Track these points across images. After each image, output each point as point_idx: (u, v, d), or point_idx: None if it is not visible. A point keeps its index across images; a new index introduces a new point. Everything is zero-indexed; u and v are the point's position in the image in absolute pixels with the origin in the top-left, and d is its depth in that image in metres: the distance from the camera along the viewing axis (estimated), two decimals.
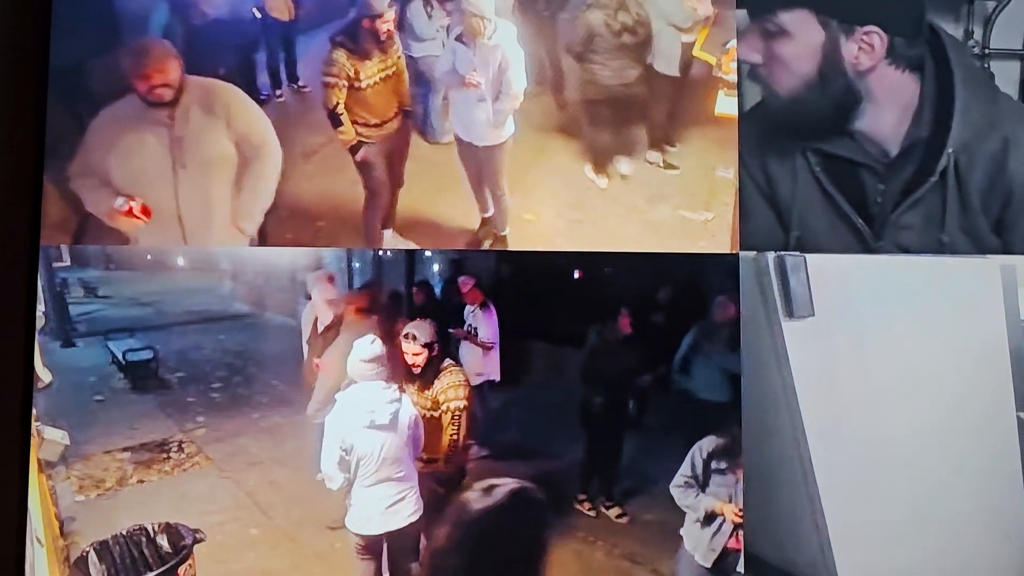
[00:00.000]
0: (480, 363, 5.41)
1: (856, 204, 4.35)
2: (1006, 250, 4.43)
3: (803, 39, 4.35)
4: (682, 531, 4.44)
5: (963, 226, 4.25)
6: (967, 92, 4.11)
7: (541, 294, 5.13)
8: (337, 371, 4.84)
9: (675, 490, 4.47)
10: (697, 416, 4.73)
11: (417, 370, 4.69)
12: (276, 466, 5.42)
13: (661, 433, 5.01)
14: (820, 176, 4.34)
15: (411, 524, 4.48)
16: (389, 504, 4.38)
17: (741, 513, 4.30)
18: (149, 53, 4.68)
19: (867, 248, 4.40)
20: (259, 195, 4.79)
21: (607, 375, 5.10)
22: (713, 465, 4.39)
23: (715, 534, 4.35)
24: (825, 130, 4.31)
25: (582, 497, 5.15)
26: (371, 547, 4.44)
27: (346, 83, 4.84)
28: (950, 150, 4.12)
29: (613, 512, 5.06)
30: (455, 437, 4.70)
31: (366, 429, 4.32)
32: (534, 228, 4.81)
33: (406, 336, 4.72)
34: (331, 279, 5.36)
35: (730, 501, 4.35)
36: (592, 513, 5.05)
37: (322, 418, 4.78)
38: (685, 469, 4.45)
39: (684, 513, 4.48)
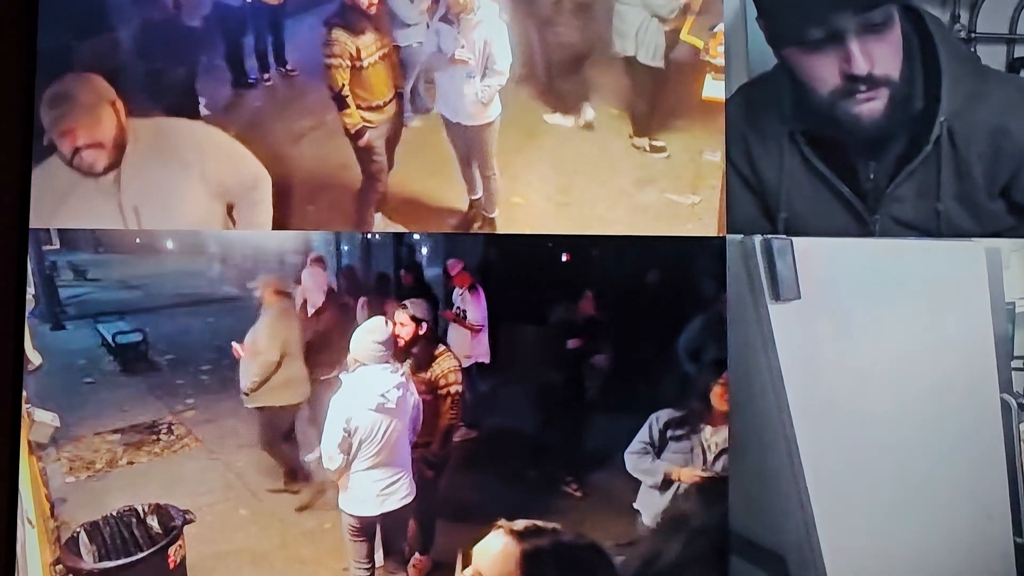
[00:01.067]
0: (469, 345, 5.49)
1: (848, 182, 4.39)
2: (1010, 211, 4.49)
3: None
4: (636, 504, 4.66)
5: (959, 194, 4.29)
6: (953, 66, 4.16)
7: (529, 277, 5.23)
8: (266, 351, 5.09)
9: (630, 457, 4.65)
10: (680, 395, 4.87)
11: (402, 343, 4.75)
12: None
13: (637, 413, 5.00)
14: (809, 156, 4.37)
15: (404, 506, 4.55)
16: (384, 487, 4.44)
17: (702, 476, 4.47)
18: (69, 100, 4.55)
19: (862, 224, 4.43)
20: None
21: (569, 356, 5.25)
22: (669, 433, 4.55)
23: (672, 500, 4.51)
24: (813, 110, 4.31)
25: (569, 479, 5.21)
26: (365, 529, 4.50)
27: (349, 63, 4.84)
28: (942, 119, 4.15)
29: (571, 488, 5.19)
30: (453, 421, 4.78)
31: (373, 412, 4.37)
32: (523, 211, 4.84)
33: (398, 307, 4.84)
34: (321, 262, 5.46)
35: (686, 466, 4.49)
36: (579, 494, 5.11)
37: (256, 402, 5.07)
38: (642, 435, 4.64)
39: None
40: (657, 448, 4.60)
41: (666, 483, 4.56)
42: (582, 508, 5.06)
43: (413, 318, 4.74)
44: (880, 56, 4.07)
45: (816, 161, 4.34)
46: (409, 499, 4.53)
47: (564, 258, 5.24)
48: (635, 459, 4.62)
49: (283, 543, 4.98)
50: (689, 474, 4.48)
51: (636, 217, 4.76)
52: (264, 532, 5.03)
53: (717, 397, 4.47)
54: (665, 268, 5.05)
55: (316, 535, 4.91)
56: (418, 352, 4.76)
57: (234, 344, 5.14)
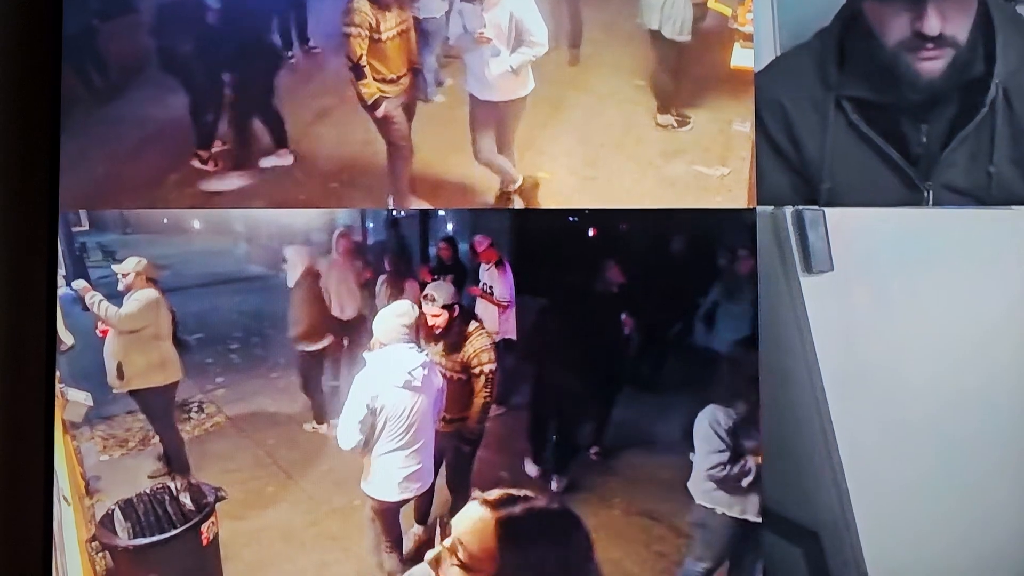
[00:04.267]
0: (496, 321, 5.69)
1: (898, 148, 4.40)
2: None
3: None
4: (689, 484, 4.62)
5: (1013, 156, 4.33)
6: (1006, 27, 4.23)
7: (556, 251, 5.31)
8: (120, 332, 5.21)
9: (714, 473, 4.55)
10: (713, 372, 4.89)
11: (438, 331, 4.83)
12: (295, 425, 5.72)
13: (673, 390, 5.25)
14: (857, 122, 4.39)
15: (422, 493, 4.68)
16: (407, 474, 4.56)
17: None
18: None
19: (913, 191, 4.43)
20: None
21: (603, 328, 5.43)
22: (741, 438, 4.56)
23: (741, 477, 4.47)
24: (869, 68, 4.37)
25: (595, 450, 5.47)
26: (387, 512, 4.63)
27: (368, 33, 4.86)
28: (997, 80, 4.22)
29: (593, 451, 5.46)
30: (488, 399, 4.90)
31: (400, 389, 4.45)
32: (549, 186, 4.92)
33: (425, 298, 4.83)
34: (348, 238, 5.71)
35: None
36: (603, 463, 5.38)
37: (129, 385, 5.19)
38: (715, 446, 4.55)
39: (690, 468, 4.68)
40: (733, 449, 4.56)
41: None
42: (612, 482, 5.29)
43: (445, 307, 4.86)
44: (953, 18, 4.14)
45: (864, 127, 4.38)
46: (426, 487, 4.68)
47: (591, 232, 5.34)
48: (720, 473, 4.54)
49: (314, 520, 5.16)
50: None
51: (664, 190, 4.83)
52: (294, 509, 5.22)
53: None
54: (695, 240, 5.15)
55: (346, 512, 5.04)
56: (451, 334, 4.90)
57: (99, 327, 5.30)
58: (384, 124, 5.06)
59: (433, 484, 4.77)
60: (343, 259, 5.85)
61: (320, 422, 5.78)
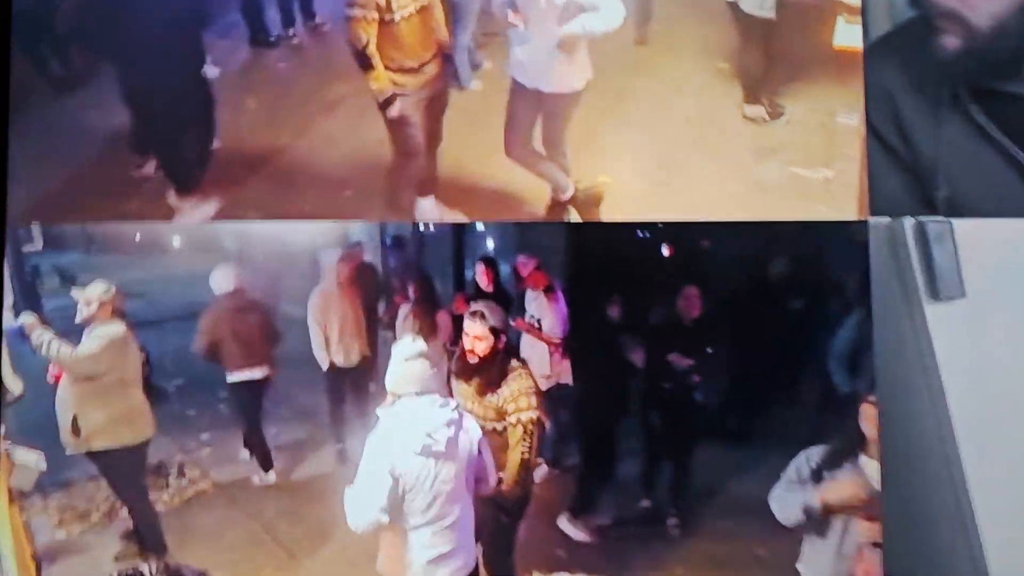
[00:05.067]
0: (547, 363, 5.50)
1: None
2: None
3: None
4: (799, 565, 4.50)
5: None
6: None
7: (620, 276, 5.20)
8: (76, 377, 5.03)
9: (778, 496, 4.50)
10: (819, 421, 4.89)
11: (473, 359, 4.62)
12: (299, 494, 5.54)
13: (768, 444, 5.04)
14: (978, 118, 4.23)
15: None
16: (433, 556, 4.28)
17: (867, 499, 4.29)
18: None
19: None
20: None
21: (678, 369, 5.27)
22: (825, 475, 4.40)
23: (840, 544, 4.34)
24: (998, 68, 4.22)
25: (673, 522, 5.33)
26: None
27: (376, 15, 4.69)
28: None
29: (671, 522, 5.28)
30: (526, 455, 4.64)
31: (417, 456, 4.15)
32: (611, 194, 4.83)
33: (473, 315, 4.63)
34: (357, 260, 5.61)
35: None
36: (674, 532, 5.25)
37: (84, 446, 4.98)
38: (789, 475, 4.46)
39: (801, 543, 4.50)
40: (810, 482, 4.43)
41: (823, 521, 4.41)
42: (699, 562, 5.07)
43: (493, 330, 4.64)
44: None
45: (987, 124, 4.19)
46: (467, 570, 4.39)
47: (665, 252, 5.22)
48: (783, 497, 4.50)
49: None
50: (839, 493, 4.33)
51: (754, 198, 4.72)
52: None
53: (868, 421, 4.31)
54: (793, 260, 5.04)
55: None
56: (489, 369, 4.66)
57: (51, 370, 5.09)
58: (397, 128, 4.92)
59: (478, 567, 4.54)
60: (345, 289, 5.73)
61: (266, 469, 5.70)
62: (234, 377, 5.79)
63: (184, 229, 4.89)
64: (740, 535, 5.04)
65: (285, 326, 5.40)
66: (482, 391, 4.65)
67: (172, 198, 4.94)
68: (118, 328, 5.04)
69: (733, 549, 5.02)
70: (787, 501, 4.39)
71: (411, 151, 4.93)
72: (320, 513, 5.31)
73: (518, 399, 4.62)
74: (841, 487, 4.28)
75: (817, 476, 4.35)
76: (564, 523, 5.29)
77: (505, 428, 4.63)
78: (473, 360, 4.60)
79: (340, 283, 5.66)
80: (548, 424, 5.26)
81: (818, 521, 4.32)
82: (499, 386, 4.64)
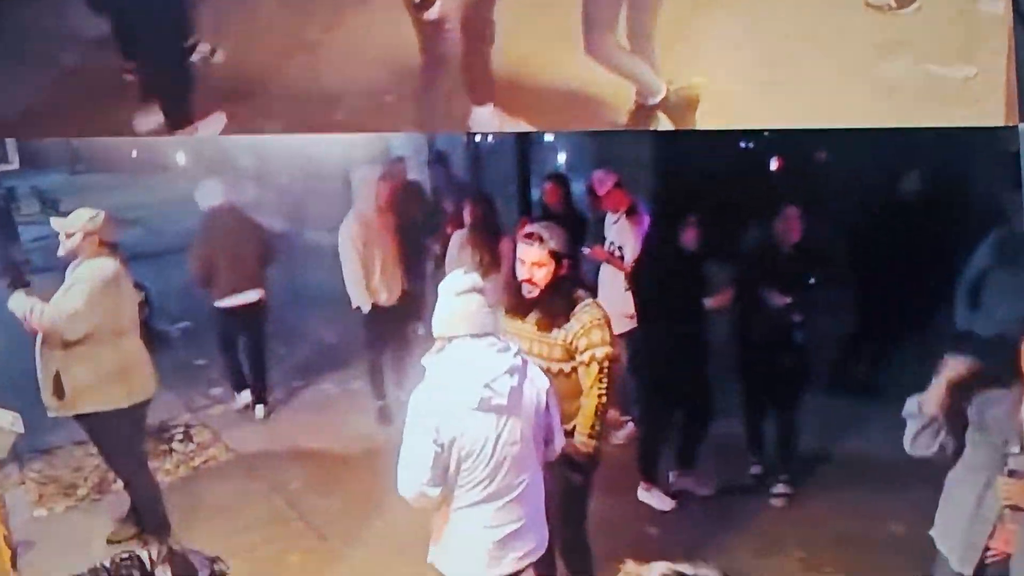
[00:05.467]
0: (629, 299, 5.01)
1: None
2: None
3: None
4: (932, 532, 3.68)
5: None
6: None
7: (720, 194, 4.72)
8: (68, 324, 4.27)
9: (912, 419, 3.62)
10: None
11: (532, 292, 3.97)
12: (331, 462, 5.07)
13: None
14: None
15: (528, 565, 3.74)
16: (500, 537, 3.56)
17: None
18: None
19: None
20: None
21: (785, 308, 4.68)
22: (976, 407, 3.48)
23: (977, 508, 3.50)
24: None
25: (780, 488, 4.80)
26: None
27: None
28: None
29: (779, 489, 4.79)
30: (604, 398, 3.95)
31: (475, 413, 3.43)
32: (709, 97, 4.17)
33: (529, 237, 3.97)
34: (400, 178, 5.09)
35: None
36: (780, 503, 4.74)
37: (69, 409, 4.30)
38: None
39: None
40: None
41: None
42: (811, 535, 4.49)
43: (554, 254, 3.88)
44: None
45: None
46: (538, 553, 3.69)
47: (774, 165, 4.81)
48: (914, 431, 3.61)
49: None
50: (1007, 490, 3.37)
51: (880, 101, 4.09)
52: None
53: None
54: (926, 175, 4.65)
55: None
56: (552, 300, 3.97)
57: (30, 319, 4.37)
58: (431, 29, 4.24)
59: (551, 547, 3.85)
60: (386, 213, 5.30)
61: (259, 400, 5.42)
62: (224, 303, 5.43)
63: (191, 144, 4.31)
64: (868, 506, 4.47)
65: (311, 257, 4.79)
66: (545, 326, 3.95)
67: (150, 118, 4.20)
68: (106, 266, 4.27)
69: (861, 525, 4.41)
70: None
71: (441, 56, 4.28)
72: (358, 484, 4.82)
73: (590, 332, 3.88)
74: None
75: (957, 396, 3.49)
76: (642, 493, 4.83)
77: (574, 369, 3.94)
78: (531, 292, 3.93)
79: (380, 207, 5.16)
80: (628, 373, 5.00)
81: None
82: (566, 319, 3.93)
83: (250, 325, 5.53)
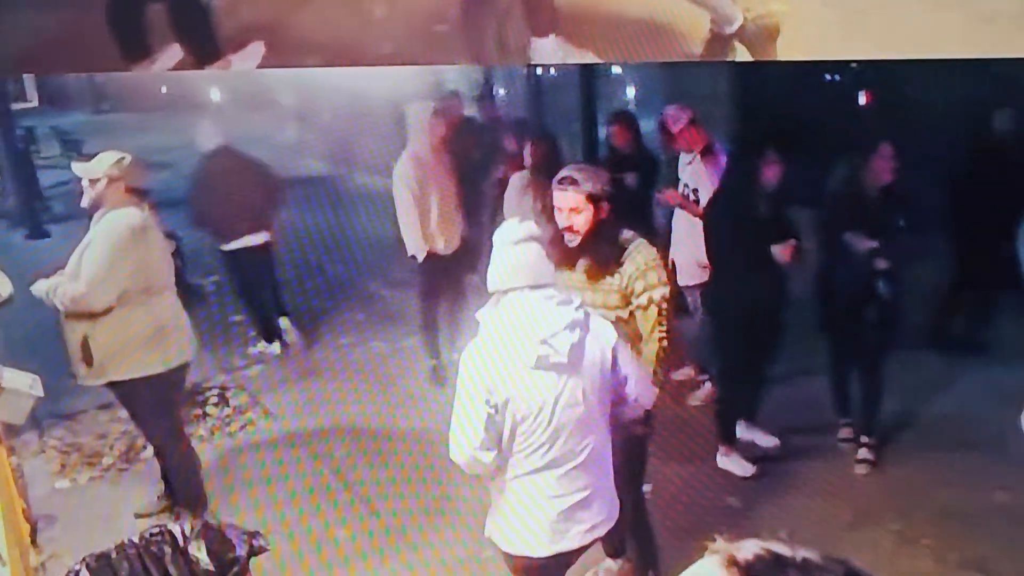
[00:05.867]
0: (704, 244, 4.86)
1: None
2: None
3: None
4: None
5: None
6: None
7: (805, 130, 4.48)
8: (92, 284, 3.98)
9: None
10: None
11: (573, 240, 3.80)
12: (382, 427, 4.85)
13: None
14: None
15: (595, 540, 3.56)
16: (563, 508, 3.35)
17: None
18: None
19: None
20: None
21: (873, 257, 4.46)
22: None
23: None
24: None
25: (864, 454, 4.57)
26: (534, 572, 3.48)
27: None
28: None
29: (862, 455, 4.59)
30: (665, 342, 3.83)
31: (532, 371, 3.25)
32: (791, 25, 4.04)
33: (561, 182, 3.78)
34: (455, 115, 4.93)
35: None
36: (863, 469, 4.52)
37: (101, 377, 4.02)
38: None
39: None
40: None
41: None
42: (907, 505, 4.23)
43: (591, 197, 3.70)
44: None
45: None
46: (607, 526, 3.49)
47: (862, 99, 4.52)
48: None
49: None
50: None
51: (977, 30, 3.94)
52: (385, 565, 4.14)
53: None
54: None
55: (470, 571, 4.06)
56: (598, 247, 3.79)
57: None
58: None
59: (621, 516, 3.59)
60: (441, 153, 5.11)
61: (269, 340, 5.39)
62: (230, 246, 5.30)
63: (225, 79, 4.21)
64: (970, 474, 4.24)
65: (359, 201, 4.71)
66: (596, 274, 3.79)
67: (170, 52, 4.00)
68: (132, 216, 3.98)
69: (963, 494, 4.15)
70: None
71: None
72: (410, 453, 4.63)
73: (646, 274, 3.74)
74: None
75: None
76: (721, 459, 4.64)
77: (631, 314, 3.80)
78: (573, 240, 3.75)
79: (435, 145, 4.96)
80: (710, 328, 4.92)
81: None
82: (618, 263, 3.78)
83: (259, 268, 5.43)
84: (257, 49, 4.05)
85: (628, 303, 3.82)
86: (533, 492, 3.36)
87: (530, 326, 3.29)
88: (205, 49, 4.08)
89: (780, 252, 4.47)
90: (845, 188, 4.50)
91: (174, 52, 4.09)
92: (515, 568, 3.52)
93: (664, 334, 3.81)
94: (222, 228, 5.33)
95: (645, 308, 3.79)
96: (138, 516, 4.28)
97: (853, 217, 4.48)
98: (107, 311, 3.96)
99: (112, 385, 4.11)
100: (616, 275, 3.80)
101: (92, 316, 3.98)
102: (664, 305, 3.79)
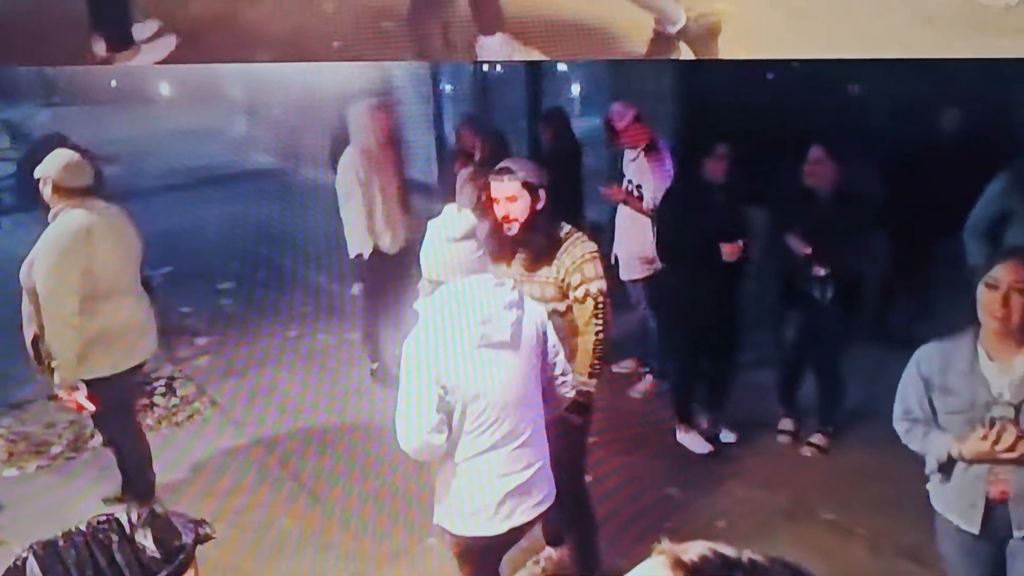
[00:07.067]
0: (648, 242, 4.81)
1: None
2: None
3: None
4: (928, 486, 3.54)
5: None
6: None
7: (745, 129, 4.49)
8: (52, 293, 3.90)
9: (898, 425, 3.50)
10: None
11: (511, 227, 3.81)
12: (328, 418, 4.86)
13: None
14: None
15: (539, 516, 3.58)
16: (511, 488, 3.39)
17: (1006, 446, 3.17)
18: None
19: None
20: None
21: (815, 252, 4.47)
22: (937, 382, 3.35)
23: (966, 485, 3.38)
24: None
25: (818, 438, 4.68)
26: (480, 552, 3.54)
27: None
28: None
29: (816, 439, 4.68)
30: (601, 335, 3.83)
31: (477, 350, 3.28)
32: (734, 25, 3.98)
33: (499, 173, 3.81)
34: (393, 111, 4.91)
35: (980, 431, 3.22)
36: (810, 452, 4.64)
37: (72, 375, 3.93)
38: (903, 392, 3.45)
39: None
40: (927, 414, 3.40)
41: (947, 466, 3.39)
42: (851, 498, 4.30)
43: (527, 185, 3.73)
44: None
45: None
46: (547, 503, 3.52)
47: (808, 98, 4.49)
48: (903, 431, 3.49)
49: (362, 571, 4.12)
50: (974, 448, 3.20)
51: (917, 31, 3.95)
52: (326, 555, 4.16)
53: (994, 304, 3.12)
54: (968, 110, 4.47)
55: (414, 559, 4.10)
56: (535, 238, 3.81)
57: None
58: None
59: (560, 501, 3.63)
60: (386, 148, 5.05)
61: None
62: None
63: (176, 73, 4.20)
64: (905, 464, 3.94)
65: (307, 196, 4.54)
66: (533, 265, 3.83)
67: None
68: (77, 219, 3.86)
69: (899, 485, 4.02)
70: (907, 436, 3.44)
71: None
72: (354, 443, 4.64)
73: (582, 267, 3.76)
74: (967, 447, 3.22)
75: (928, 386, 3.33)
76: (680, 435, 4.75)
77: (568, 308, 3.82)
78: (511, 229, 3.78)
79: (379, 142, 4.91)
80: (652, 322, 4.98)
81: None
82: (552, 255, 3.81)
83: None
84: (169, 41, 4.04)
85: (565, 296, 3.85)
86: (482, 473, 3.39)
87: (470, 308, 3.36)
88: (121, 37, 4.09)
89: (726, 251, 4.49)
90: (786, 188, 4.53)
91: (168, 42, 4.12)
92: (464, 551, 3.53)
93: (600, 326, 3.84)
94: None
95: (582, 301, 3.82)
96: (106, 501, 4.24)
97: (794, 219, 4.49)
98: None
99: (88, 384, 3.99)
100: (553, 266, 3.83)
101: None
102: (600, 299, 3.83)
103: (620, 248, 5.10)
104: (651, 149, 4.91)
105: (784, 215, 4.54)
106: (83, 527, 3.41)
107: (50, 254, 3.81)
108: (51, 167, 3.88)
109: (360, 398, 4.87)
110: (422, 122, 5.03)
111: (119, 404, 4.14)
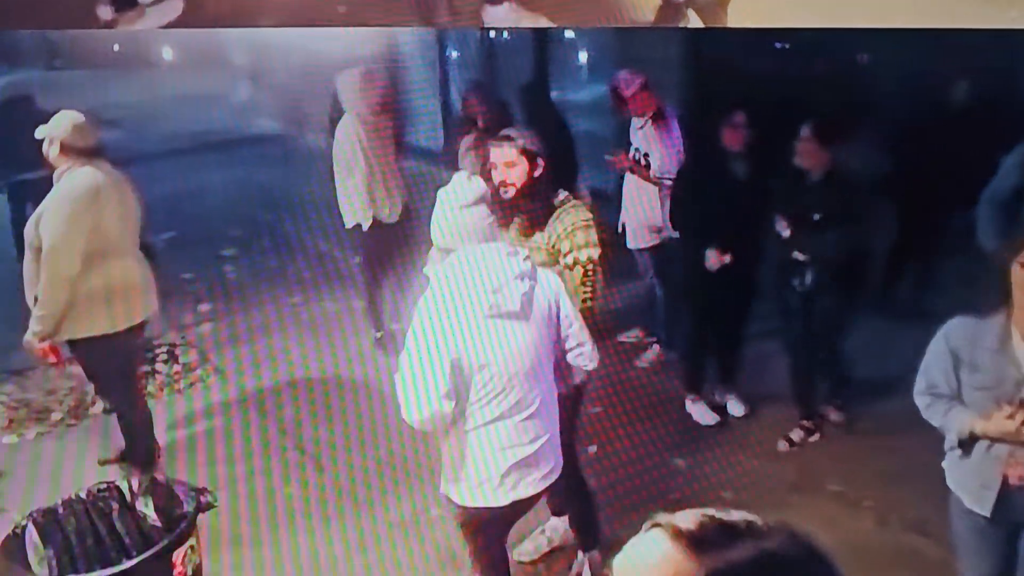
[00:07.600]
0: (656, 211, 4.86)
1: None
2: None
3: None
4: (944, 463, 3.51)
5: None
6: None
7: (753, 98, 4.48)
8: (56, 253, 3.91)
9: (919, 399, 3.45)
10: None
11: (509, 192, 3.83)
12: (332, 386, 4.85)
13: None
14: None
15: (545, 489, 3.59)
16: (518, 459, 3.38)
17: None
18: None
19: None
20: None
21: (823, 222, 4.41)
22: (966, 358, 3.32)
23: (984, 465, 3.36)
24: None
25: (832, 414, 4.67)
26: (485, 524, 3.51)
27: None
28: None
29: (834, 417, 4.68)
30: (589, 303, 3.83)
31: (487, 320, 3.30)
32: None
33: (500, 140, 3.86)
34: (385, 78, 4.88)
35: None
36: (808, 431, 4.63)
37: (62, 334, 3.97)
38: (927, 367, 3.40)
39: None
40: (956, 385, 3.34)
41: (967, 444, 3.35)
42: (859, 470, 4.29)
43: (525, 152, 3.76)
44: None
45: None
46: (555, 475, 3.52)
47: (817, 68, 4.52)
48: (924, 405, 3.44)
49: (364, 542, 4.07)
50: (998, 426, 3.18)
51: (927, 1, 3.95)
52: (331, 524, 4.13)
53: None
54: (978, 82, 4.42)
55: (420, 529, 4.07)
56: (531, 204, 3.85)
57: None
58: None
59: (564, 471, 3.63)
60: (382, 116, 5.02)
61: None
62: None
63: (178, 37, 4.21)
64: (913, 437, 3.99)
65: (311, 162, 4.66)
66: (528, 230, 3.88)
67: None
68: (89, 177, 3.89)
69: (907, 457, 4.15)
70: (928, 411, 3.39)
71: None
72: (358, 411, 4.61)
73: (573, 234, 3.80)
74: (991, 425, 3.20)
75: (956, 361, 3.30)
76: (689, 404, 4.79)
77: (560, 273, 3.74)
78: (509, 194, 3.80)
79: (373, 108, 4.90)
80: (659, 291, 5.01)
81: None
82: (546, 222, 3.87)
83: None
84: (175, 5, 4.04)
85: (556, 262, 3.85)
86: (490, 443, 3.39)
87: (481, 277, 3.36)
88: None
89: (711, 260, 4.48)
90: (787, 171, 4.45)
91: (175, 6, 4.08)
92: (470, 522, 3.52)
93: (588, 295, 3.84)
94: None
95: (571, 268, 3.82)
96: (102, 463, 4.24)
97: (782, 199, 4.46)
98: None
99: (69, 343, 4.02)
100: (547, 232, 3.86)
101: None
102: (591, 267, 3.84)
103: (628, 216, 5.09)
104: (658, 117, 4.89)
105: (774, 194, 4.49)
106: (83, 495, 3.46)
107: (62, 208, 3.83)
108: (60, 127, 3.88)
109: (365, 366, 4.86)
110: (428, 88, 5.09)
111: (120, 369, 4.15)
